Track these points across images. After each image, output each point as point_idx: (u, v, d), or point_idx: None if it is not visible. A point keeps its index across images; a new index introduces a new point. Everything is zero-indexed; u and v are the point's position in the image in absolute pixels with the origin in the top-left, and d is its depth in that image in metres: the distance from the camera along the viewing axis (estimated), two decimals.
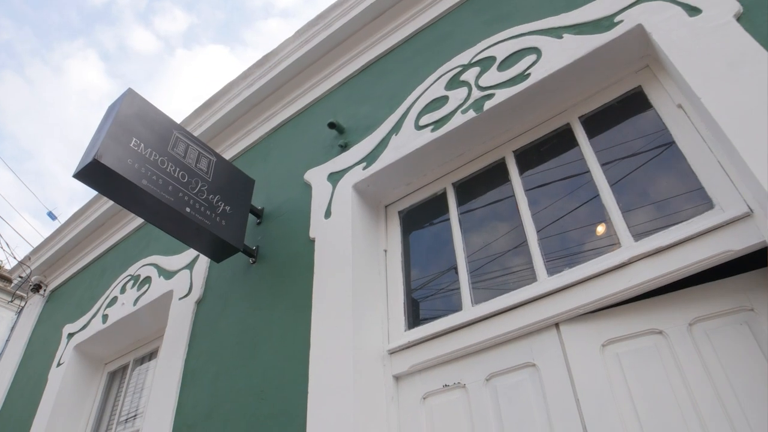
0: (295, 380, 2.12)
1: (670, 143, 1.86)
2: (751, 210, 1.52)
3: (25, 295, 5.00)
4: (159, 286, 3.27)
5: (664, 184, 1.83)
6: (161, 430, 2.47)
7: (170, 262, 3.34)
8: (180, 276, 3.15)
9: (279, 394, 2.15)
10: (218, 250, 2.51)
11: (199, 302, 2.90)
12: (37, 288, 4.81)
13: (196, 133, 3.64)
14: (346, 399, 1.87)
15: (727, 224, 1.55)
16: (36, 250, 4.87)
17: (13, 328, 6.96)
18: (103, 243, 4.33)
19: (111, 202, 4.15)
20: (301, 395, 2.05)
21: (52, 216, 8.40)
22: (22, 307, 6.69)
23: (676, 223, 1.69)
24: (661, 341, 1.60)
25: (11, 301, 5.51)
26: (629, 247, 1.72)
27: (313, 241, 2.51)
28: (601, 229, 1.88)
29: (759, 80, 1.56)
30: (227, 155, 3.57)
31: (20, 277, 4.87)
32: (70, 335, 3.88)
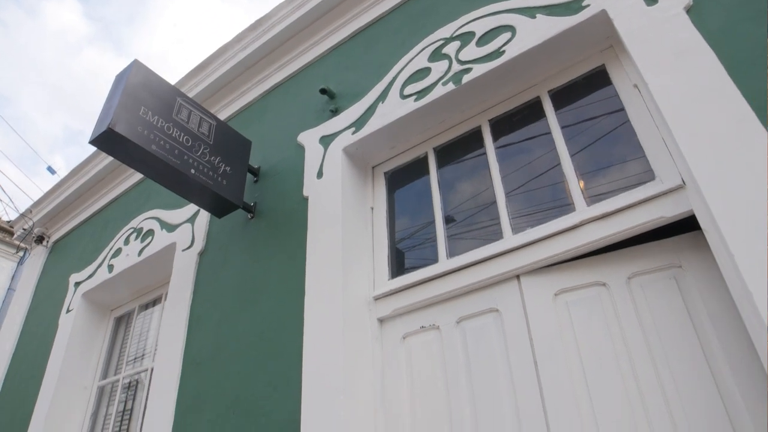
0: (292, 324, 2.41)
1: (625, 120, 2.11)
2: (684, 183, 1.78)
3: (28, 246, 5.23)
4: (162, 238, 3.52)
5: (616, 155, 2.10)
6: (172, 367, 2.79)
7: (172, 215, 3.59)
8: (182, 229, 3.41)
9: (277, 336, 2.45)
10: (220, 207, 2.77)
11: (201, 254, 3.18)
12: (40, 239, 5.05)
13: (192, 93, 3.82)
14: (336, 339, 2.18)
15: (663, 194, 1.83)
16: (37, 203, 5.09)
17: (13, 277, 7.25)
18: (104, 197, 4.56)
19: (111, 157, 4.35)
20: (296, 336, 2.35)
21: (51, 170, 8.58)
22: (22, 257, 6.95)
23: (623, 192, 1.96)
24: (604, 292, 1.90)
25: (16, 252, 5.74)
26: (582, 211, 2.00)
27: (306, 199, 2.77)
28: (561, 193, 2.16)
29: (698, 70, 1.80)
30: (224, 115, 3.77)
31: (23, 229, 5.09)
32: (77, 284, 4.16)
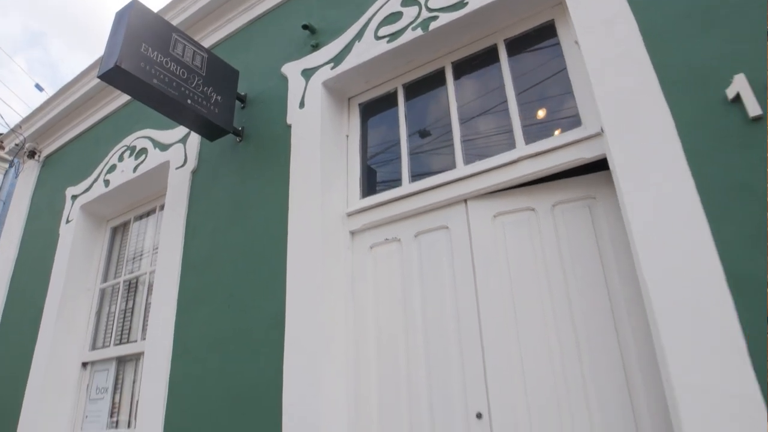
0: (277, 234, 2.86)
1: (564, 71, 2.49)
2: (602, 131, 2.20)
3: (21, 160, 5.50)
4: (155, 156, 3.88)
5: (553, 102, 2.50)
6: (172, 270, 3.25)
7: (164, 135, 3.92)
8: (174, 148, 3.76)
9: (265, 245, 2.90)
10: (212, 131, 3.14)
11: (194, 172, 3.56)
12: (32, 154, 5.33)
13: (179, 19, 4.04)
14: (315, 248, 2.64)
15: (585, 139, 2.25)
16: (27, 119, 5.32)
17: (0, 189, 7.51)
18: (95, 114, 4.82)
19: None
20: (281, 245, 2.81)
21: (39, 87, 8.62)
22: (8, 169, 7.20)
23: (553, 135, 2.38)
24: (533, 216, 2.37)
25: (10, 167, 6.01)
26: (520, 148, 2.43)
27: (289, 126, 3.13)
28: (505, 130, 2.57)
29: (620, 38, 2.16)
30: (211, 41, 4.01)
31: (16, 144, 5.35)
32: (74, 197, 4.53)
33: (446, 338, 2.35)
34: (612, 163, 2.08)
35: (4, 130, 7.11)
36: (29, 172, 5.41)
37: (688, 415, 1.61)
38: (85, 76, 4.78)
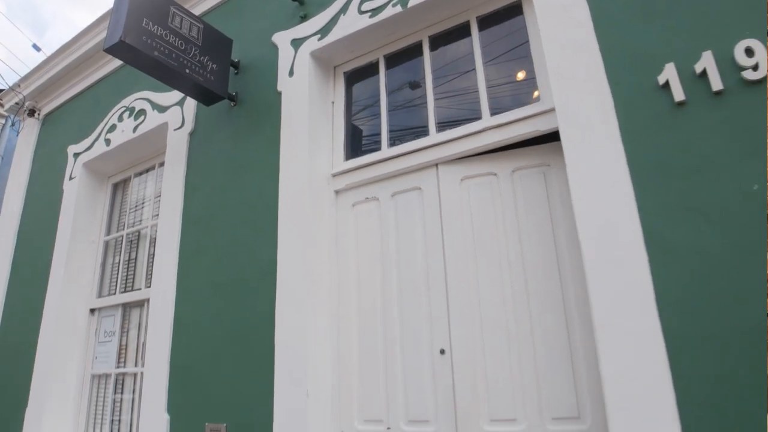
0: (269, 193, 3.18)
1: (528, 50, 2.77)
2: (554, 107, 2.50)
3: (21, 118, 5.73)
4: (154, 118, 4.15)
5: (517, 77, 2.80)
6: (174, 224, 3.58)
7: (161, 98, 4.18)
8: (172, 111, 4.03)
9: (257, 203, 3.23)
10: (208, 97, 3.41)
11: (191, 134, 3.84)
12: (31, 112, 5.56)
13: None
14: (304, 205, 2.97)
15: (541, 113, 2.56)
16: (26, 78, 5.53)
17: None
18: (93, 74, 5.04)
19: (100, 37, 4.80)
20: (273, 203, 3.13)
21: (36, 48, 8.71)
22: (4, 124, 7.41)
23: (515, 108, 2.69)
24: (495, 180, 2.70)
25: (13, 125, 6.23)
26: (486, 120, 2.74)
27: (280, 93, 3.41)
28: (474, 102, 2.88)
29: (574, 23, 2.44)
30: (204, 6, 4.22)
31: (16, 104, 5.57)
32: (76, 155, 4.80)
33: (416, 286, 2.72)
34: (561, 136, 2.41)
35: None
36: (29, 130, 5.65)
37: (604, 348, 1.99)
38: (83, 37, 4.97)
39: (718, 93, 2.04)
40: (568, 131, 2.30)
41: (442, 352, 2.54)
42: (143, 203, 4.43)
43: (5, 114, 7.23)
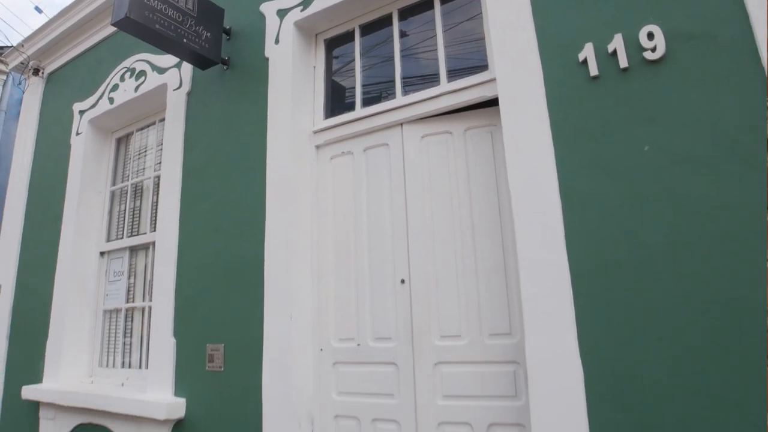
0: (258, 148, 3.66)
1: (481, 23, 3.22)
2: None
3: (26, 77, 6.13)
4: (154, 79, 4.58)
5: (472, 48, 3.25)
6: (175, 176, 4.08)
7: (160, 60, 4.61)
8: (171, 72, 4.46)
9: (248, 156, 3.71)
10: (203, 62, 3.86)
11: (188, 94, 4.29)
12: (36, 71, 5.96)
13: None
14: (287, 158, 3.46)
15: (488, 81, 3.02)
16: (29, 38, 5.91)
17: (0, 100, 8.11)
18: (95, 35, 5.43)
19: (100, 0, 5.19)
20: (261, 157, 3.61)
21: (38, 10, 8.98)
22: (6, 81, 7.78)
23: (469, 75, 3.15)
24: (450, 137, 3.19)
25: (19, 84, 6.62)
26: (443, 85, 3.20)
27: (267, 59, 3.85)
28: (434, 69, 3.34)
29: (518, 4, 2.88)
30: None
31: (21, 63, 5.97)
32: (81, 112, 5.25)
33: (382, 227, 3.24)
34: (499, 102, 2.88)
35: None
36: (34, 89, 6.06)
37: (525, 275, 2.52)
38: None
39: (625, 70, 2.50)
40: (505, 98, 2.77)
41: (402, 282, 3.08)
42: (145, 156, 4.91)
43: (6, 71, 7.59)
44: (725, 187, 2.18)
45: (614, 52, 2.54)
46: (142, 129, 5.05)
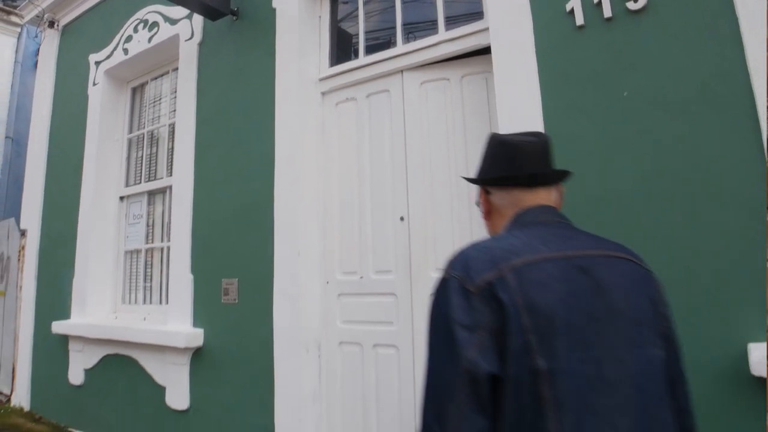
0: (267, 96, 3.88)
1: None
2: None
3: (42, 29, 6.32)
4: (166, 30, 4.78)
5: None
6: (188, 123, 4.33)
7: (172, 11, 4.79)
8: (182, 23, 4.65)
9: (258, 104, 3.94)
10: (214, 14, 4.06)
11: (200, 44, 4.49)
12: (51, 24, 6.16)
13: None
14: (294, 105, 3.69)
15: (483, 30, 3.19)
16: None
17: (17, 51, 8.32)
18: None
19: None
20: (270, 104, 3.84)
21: None
22: (20, 33, 7.98)
23: (466, 23, 3.32)
24: (447, 84, 3.39)
25: (35, 37, 6.82)
26: (441, 33, 3.38)
27: (274, 9, 4.03)
28: (433, 18, 3.51)
29: None
30: None
31: (37, 16, 6.16)
32: (98, 63, 5.47)
33: (383, 168, 3.49)
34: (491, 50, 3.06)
35: None
36: (50, 41, 6.28)
37: None
38: None
39: (609, 19, 2.65)
40: (497, 46, 2.96)
41: (402, 219, 3.34)
42: (160, 104, 5.15)
43: (21, 23, 7.78)
44: (697, 131, 2.35)
45: (599, 3, 2.68)
46: (156, 78, 5.27)
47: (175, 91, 4.73)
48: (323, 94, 3.85)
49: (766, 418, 2.03)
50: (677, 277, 2.29)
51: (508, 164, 1.35)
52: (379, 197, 3.49)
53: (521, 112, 2.80)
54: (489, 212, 1.42)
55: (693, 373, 2.12)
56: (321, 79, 3.84)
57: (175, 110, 4.67)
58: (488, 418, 1.03)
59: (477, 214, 3.16)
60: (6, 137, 8.02)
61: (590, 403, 1.05)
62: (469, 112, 3.30)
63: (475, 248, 1.19)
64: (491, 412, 1.04)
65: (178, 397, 4.11)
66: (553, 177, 1.38)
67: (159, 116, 5.15)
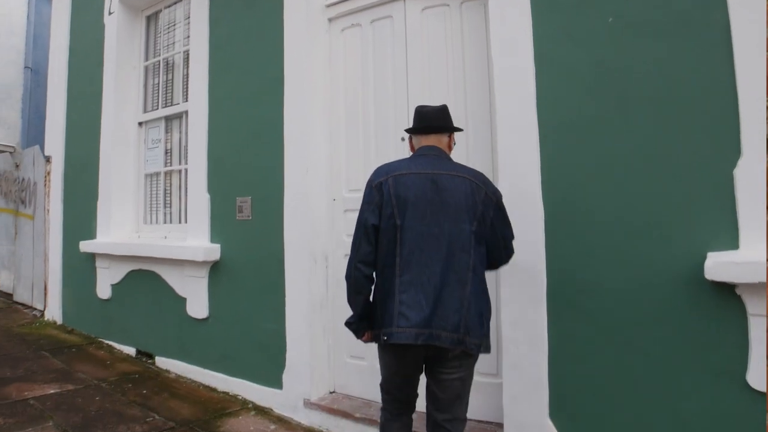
0: (276, 23, 4.09)
1: None
2: None
3: None
4: None
5: None
6: (202, 49, 4.57)
7: None
8: None
9: (267, 31, 4.15)
10: None
11: None
12: None
13: None
14: (302, 30, 3.91)
15: None
16: None
17: None
18: None
19: None
20: (279, 30, 4.06)
21: None
22: None
23: None
24: (447, 9, 3.55)
25: None
26: None
27: None
28: None
29: None
30: None
31: None
32: None
33: (386, 90, 3.74)
34: None
35: None
36: None
37: (500, 134, 3.00)
38: None
39: None
40: None
41: (402, 140, 3.61)
42: (174, 30, 5.37)
43: None
44: (674, 55, 2.56)
45: None
46: (169, 6, 5.47)
47: (188, 17, 4.94)
48: (330, 20, 4.05)
49: (766, 417, 2.20)
50: (651, 191, 2.55)
51: (416, 121, 2.57)
52: (382, 119, 3.74)
53: (513, 36, 3.00)
54: (411, 148, 2.63)
55: (657, 279, 2.47)
56: (328, 6, 4.03)
57: (188, 36, 4.90)
58: (373, 246, 2.32)
59: (473, 133, 3.41)
60: (25, 67, 8.30)
61: (419, 244, 2.25)
62: (467, 36, 3.50)
63: (383, 166, 2.49)
64: (374, 244, 2.32)
65: (198, 307, 4.53)
66: (437, 129, 2.53)
67: (173, 42, 5.37)
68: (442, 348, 2.20)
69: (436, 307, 2.19)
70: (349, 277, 2.34)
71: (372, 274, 2.34)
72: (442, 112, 2.54)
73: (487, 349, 2.32)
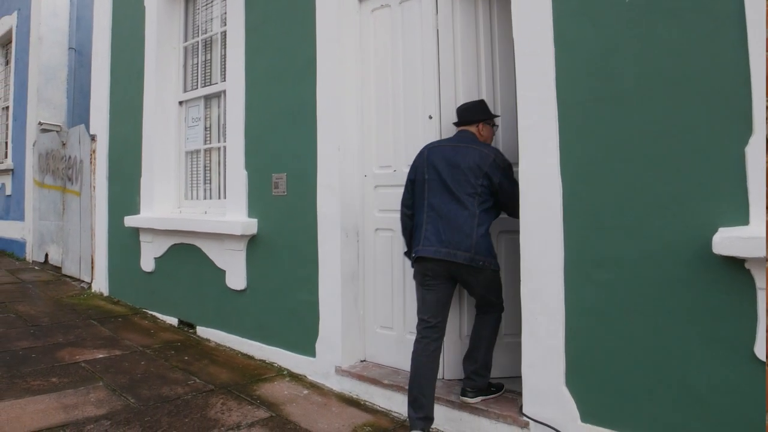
0: (308, 5, 4.31)
1: None
2: None
3: None
4: None
5: None
6: (239, 31, 4.85)
7: None
8: None
9: (300, 11, 4.38)
10: None
11: None
12: None
13: None
14: (334, 12, 4.12)
15: None
16: None
17: None
18: None
19: None
20: (311, 13, 4.28)
21: None
22: None
23: None
24: None
25: None
26: None
27: None
28: None
29: None
30: None
31: None
32: None
33: (415, 70, 3.93)
34: None
35: None
36: None
37: (522, 108, 3.17)
38: None
39: None
40: None
41: (431, 117, 3.81)
42: (212, 7, 5.65)
43: None
44: (690, 34, 2.64)
45: None
46: None
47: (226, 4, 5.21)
48: (360, 1, 4.25)
49: (766, 417, 2.31)
50: (665, 168, 2.68)
51: (457, 116, 3.52)
52: (411, 99, 3.95)
53: (536, 19, 3.11)
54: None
55: (671, 253, 2.63)
56: None
57: (225, 13, 5.17)
58: (411, 194, 3.45)
59: (500, 112, 3.59)
60: (69, 48, 8.75)
61: (439, 192, 3.26)
62: (496, 22, 3.67)
63: (430, 143, 3.52)
64: (412, 193, 3.44)
65: (237, 278, 4.87)
66: (470, 120, 3.44)
67: (211, 19, 5.65)
68: (459, 264, 3.10)
69: (451, 234, 3.14)
70: (400, 217, 3.52)
71: (411, 214, 3.42)
72: (467, 111, 3.47)
73: (492, 266, 3.18)
